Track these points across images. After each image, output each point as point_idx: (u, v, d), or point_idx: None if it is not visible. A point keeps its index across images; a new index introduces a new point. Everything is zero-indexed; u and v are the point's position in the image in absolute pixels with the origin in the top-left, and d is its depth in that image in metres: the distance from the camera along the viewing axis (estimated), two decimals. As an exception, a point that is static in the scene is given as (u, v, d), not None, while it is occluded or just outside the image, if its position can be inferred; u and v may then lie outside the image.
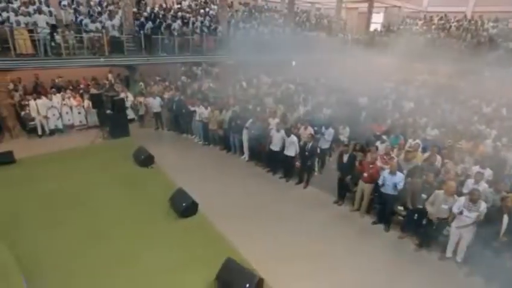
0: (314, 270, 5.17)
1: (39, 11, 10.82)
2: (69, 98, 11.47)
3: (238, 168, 8.95)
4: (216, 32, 14.34)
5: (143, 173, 7.98)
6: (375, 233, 6.24)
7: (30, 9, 10.98)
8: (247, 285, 4.22)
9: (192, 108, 10.39)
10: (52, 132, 11.19)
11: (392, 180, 6.02)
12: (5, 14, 10.30)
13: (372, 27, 23.21)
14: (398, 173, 6.06)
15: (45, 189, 7.13)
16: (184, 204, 6.11)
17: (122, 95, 11.32)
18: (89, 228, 5.83)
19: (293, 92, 12.67)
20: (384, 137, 7.83)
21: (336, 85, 13.59)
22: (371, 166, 6.46)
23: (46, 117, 10.93)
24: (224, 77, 16.23)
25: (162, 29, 12.96)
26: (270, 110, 9.73)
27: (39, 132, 10.99)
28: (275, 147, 8.21)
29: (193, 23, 14.25)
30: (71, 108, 11.47)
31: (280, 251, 5.53)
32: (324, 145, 8.37)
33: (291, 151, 7.95)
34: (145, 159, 8.22)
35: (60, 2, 13.58)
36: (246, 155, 9.41)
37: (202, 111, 10.19)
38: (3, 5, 10.83)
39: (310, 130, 8.23)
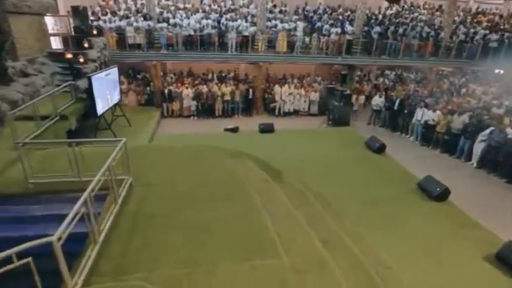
0: None
1: (299, 19, 13.81)
2: (300, 87, 14.23)
3: (467, 174, 9.15)
4: (437, 37, 14.37)
5: (380, 158, 9.27)
6: None
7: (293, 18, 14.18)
8: (537, 269, 4.77)
9: (419, 111, 11.04)
10: (284, 114, 14.20)
11: None
12: (273, 22, 13.71)
13: None
14: None
15: (298, 154, 9.21)
16: (438, 189, 6.98)
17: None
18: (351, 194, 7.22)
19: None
20: None
21: None
22: None
23: (284, 102, 14.00)
24: (427, 83, 16.13)
25: (389, 33, 14.08)
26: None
27: (276, 113, 14.19)
28: (523, 159, 8.04)
29: (413, 28, 14.74)
30: (300, 96, 14.21)
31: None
32: None
33: (545, 166, 7.63)
34: (379, 147, 9.51)
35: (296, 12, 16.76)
36: (474, 162, 9.47)
37: (426, 113, 10.79)
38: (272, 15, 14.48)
39: None
